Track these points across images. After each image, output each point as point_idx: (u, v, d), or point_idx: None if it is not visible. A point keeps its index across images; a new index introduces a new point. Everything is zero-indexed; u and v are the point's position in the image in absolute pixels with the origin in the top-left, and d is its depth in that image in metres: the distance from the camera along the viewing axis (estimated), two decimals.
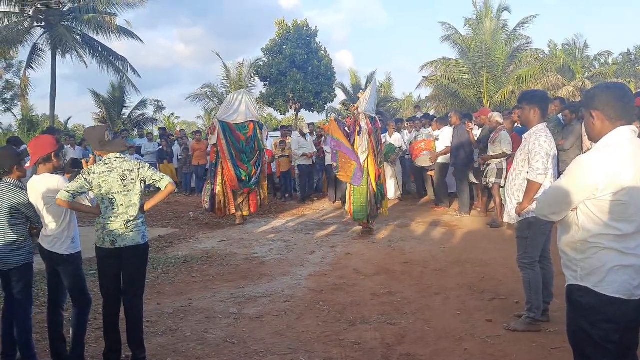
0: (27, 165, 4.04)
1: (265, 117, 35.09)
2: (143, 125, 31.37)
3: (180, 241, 8.45)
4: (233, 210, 9.56)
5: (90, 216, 4.66)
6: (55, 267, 3.98)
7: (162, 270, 6.59)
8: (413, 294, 5.31)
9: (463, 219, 9.33)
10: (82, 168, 4.11)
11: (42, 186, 3.87)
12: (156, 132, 22.51)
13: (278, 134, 14.00)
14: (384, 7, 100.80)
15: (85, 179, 3.76)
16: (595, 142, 2.42)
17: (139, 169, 3.87)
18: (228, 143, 9.34)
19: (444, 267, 6.28)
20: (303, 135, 12.62)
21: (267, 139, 10.88)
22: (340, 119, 12.55)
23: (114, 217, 3.81)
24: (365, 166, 8.04)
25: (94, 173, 3.79)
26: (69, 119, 37.59)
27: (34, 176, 3.99)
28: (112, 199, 3.80)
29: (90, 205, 3.98)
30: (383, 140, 11.37)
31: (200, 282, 6.04)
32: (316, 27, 28.20)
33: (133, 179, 3.84)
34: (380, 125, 9.10)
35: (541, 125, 4.24)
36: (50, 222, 3.90)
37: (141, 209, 3.92)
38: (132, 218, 3.83)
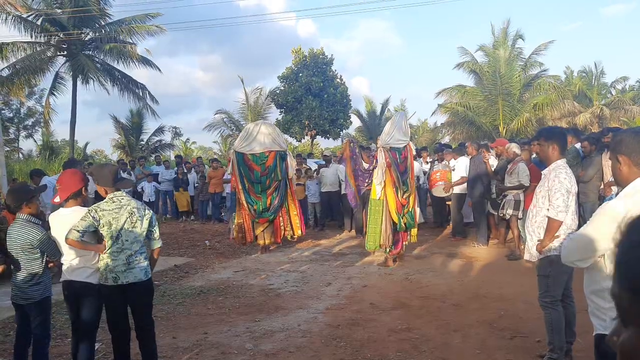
0: (57, 200, 4.06)
1: None
2: (160, 151, 31.75)
3: (196, 271, 8.44)
4: (249, 239, 9.55)
5: None
6: (83, 299, 3.96)
7: (177, 301, 6.57)
8: (431, 331, 5.22)
9: (480, 251, 9.21)
10: None
11: (72, 219, 3.87)
12: (173, 158, 22.79)
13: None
14: (398, 34, 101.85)
15: (93, 217, 3.78)
16: (622, 187, 2.39)
17: (145, 210, 4.01)
18: (241, 174, 9.39)
19: (462, 302, 6.18)
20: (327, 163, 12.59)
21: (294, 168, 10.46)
22: (356, 141, 12.36)
23: (116, 252, 3.84)
24: (383, 197, 8.06)
25: (102, 210, 3.82)
26: (87, 144, 38.29)
27: (61, 209, 4.03)
28: (119, 235, 3.84)
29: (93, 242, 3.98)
30: None
31: (215, 315, 6.01)
32: (332, 55, 28.54)
33: (140, 217, 3.92)
34: (414, 154, 9.04)
35: (560, 162, 4.20)
36: (85, 254, 3.91)
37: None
38: (133, 253, 3.88)
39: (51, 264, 4.08)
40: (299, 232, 9.85)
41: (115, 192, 3.92)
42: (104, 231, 3.83)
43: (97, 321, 4.01)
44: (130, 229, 3.86)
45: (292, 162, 9.84)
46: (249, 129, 9.67)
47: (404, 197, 8.24)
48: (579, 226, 4.26)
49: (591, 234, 2.31)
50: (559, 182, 4.06)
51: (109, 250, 3.83)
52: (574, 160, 8.07)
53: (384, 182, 7.97)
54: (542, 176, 4.32)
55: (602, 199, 7.82)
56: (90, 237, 3.87)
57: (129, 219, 3.86)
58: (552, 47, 31.02)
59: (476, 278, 7.40)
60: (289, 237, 9.89)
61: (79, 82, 22.76)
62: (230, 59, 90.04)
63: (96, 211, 3.80)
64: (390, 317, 5.72)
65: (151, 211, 4.10)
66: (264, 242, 9.63)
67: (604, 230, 2.26)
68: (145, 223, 3.95)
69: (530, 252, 4.32)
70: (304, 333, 5.29)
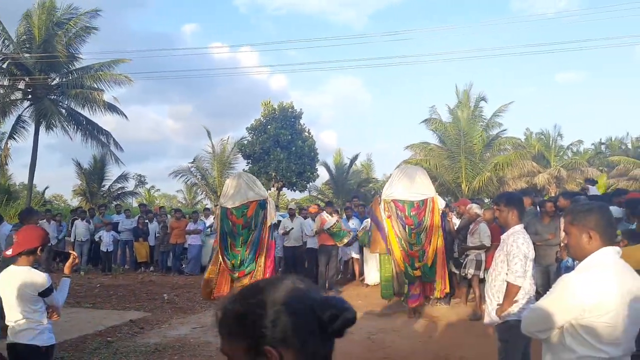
0: (9, 253, 3.86)
1: None
2: (122, 199, 31.10)
3: (152, 326, 8.12)
4: (215, 295, 9.40)
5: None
6: None
7: None
8: None
9: (442, 310, 9.18)
10: (68, 259, 4.00)
11: (21, 279, 3.67)
12: (135, 205, 22.32)
13: None
14: (368, 90, 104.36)
15: None
16: (579, 260, 2.44)
17: None
18: (223, 230, 9.38)
19: None
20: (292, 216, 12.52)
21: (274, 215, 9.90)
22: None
23: None
24: (390, 247, 8.59)
25: None
26: (46, 188, 37.21)
27: (12, 266, 3.82)
28: None
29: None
30: (362, 226, 11.43)
31: None
32: (301, 109, 29.03)
33: None
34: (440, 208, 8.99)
35: (518, 227, 4.29)
36: (30, 315, 3.71)
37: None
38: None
39: None
40: None
41: None
42: None
43: None
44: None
45: (271, 211, 9.56)
46: (228, 184, 9.74)
47: (414, 250, 8.51)
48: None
49: (549, 307, 2.33)
50: (517, 247, 4.14)
51: None
52: (534, 222, 8.26)
53: (387, 233, 8.42)
54: (501, 240, 4.39)
55: (559, 260, 7.99)
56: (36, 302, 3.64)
57: None
58: (512, 110, 32.30)
59: (438, 339, 7.34)
60: None
61: (41, 128, 22.35)
62: (200, 108, 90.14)
63: None
64: None
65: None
66: None
67: (563, 302, 2.29)
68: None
69: (490, 317, 4.33)
70: None
